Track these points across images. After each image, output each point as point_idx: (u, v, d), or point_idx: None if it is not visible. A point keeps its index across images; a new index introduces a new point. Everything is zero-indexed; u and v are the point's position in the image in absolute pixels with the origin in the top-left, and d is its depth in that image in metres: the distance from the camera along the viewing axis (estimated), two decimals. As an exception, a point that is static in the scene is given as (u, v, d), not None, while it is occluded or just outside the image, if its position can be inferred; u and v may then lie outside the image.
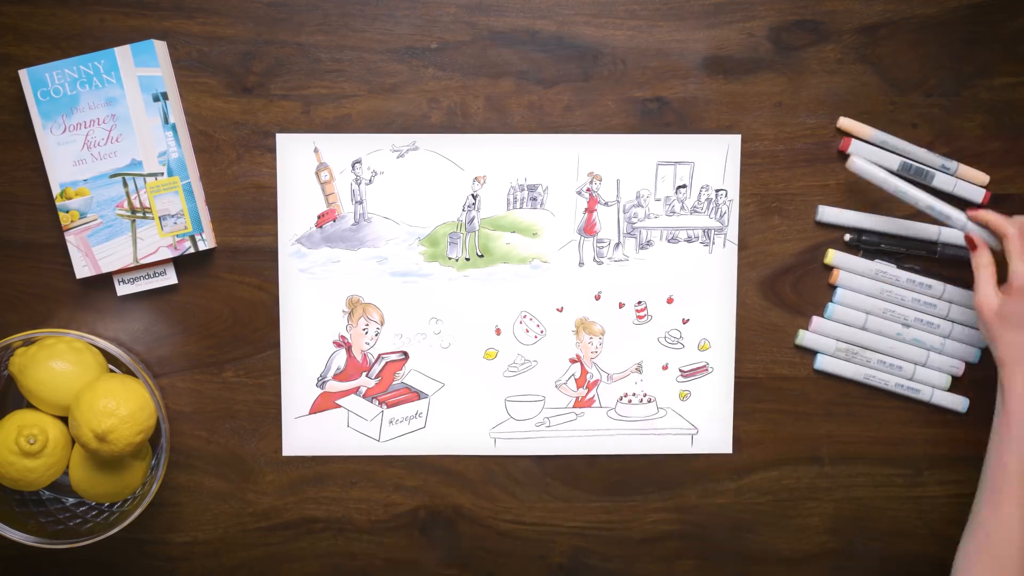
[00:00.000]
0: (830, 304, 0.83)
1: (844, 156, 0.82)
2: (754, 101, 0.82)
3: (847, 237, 0.83)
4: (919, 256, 0.83)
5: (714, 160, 0.82)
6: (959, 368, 0.85)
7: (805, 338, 0.84)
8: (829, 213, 0.82)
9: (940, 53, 0.82)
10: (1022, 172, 0.84)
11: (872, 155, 0.82)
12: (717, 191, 0.83)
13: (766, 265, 0.84)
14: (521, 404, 0.84)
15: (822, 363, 0.84)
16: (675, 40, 0.81)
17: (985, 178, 0.83)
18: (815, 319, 0.84)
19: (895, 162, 0.82)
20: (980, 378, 0.85)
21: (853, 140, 0.82)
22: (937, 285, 0.83)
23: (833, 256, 0.83)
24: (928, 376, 0.85)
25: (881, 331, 0.84)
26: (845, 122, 0.82)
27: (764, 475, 0.86)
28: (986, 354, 0.84)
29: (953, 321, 0.84)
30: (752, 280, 0.84)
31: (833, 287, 0.83)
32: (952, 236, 0.83)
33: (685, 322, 0.84)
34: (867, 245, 0.83)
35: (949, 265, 0.84)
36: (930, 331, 0.84)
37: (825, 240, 0.83)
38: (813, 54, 0.82)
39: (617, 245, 0.83)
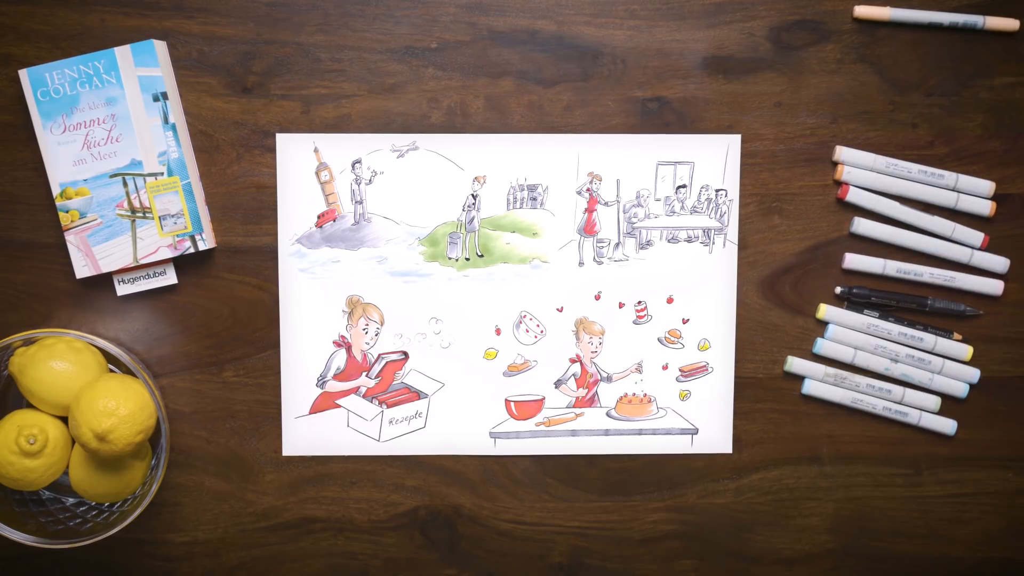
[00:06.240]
0: (819, 339, 0.84)
1: (844, 203, 0.83)
2: (754, 101, 0.82)
3: (838, 290, 0.83)
4: (910, 309, 0.84)
5: (714, 160, 0.82)
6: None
7: (794, 364, 0.84)
8: (856, 261, 0.83)
9: (940, 53, 0.82)
10: (1022, 172, 0.84)
11: (870, 202, 0.82)
12: (717, 191, 0.83)
13: (766, 265, 0.84)
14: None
15: (809, 388, 0.84)
16: (675, 40, 0.81)
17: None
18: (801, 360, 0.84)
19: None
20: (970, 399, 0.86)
21: (851, 187, 0.82)
22: (928, 338, 0.84)
23: (825, 311, 0.83)
24: (917, 399, 0.85)
25: (869, 366, 0.84)
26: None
27: (764, 475, 0.86)
28: (974, 389, 0.85)
29: (944, 356, 0.85)
30: (752, 280, 0.84)
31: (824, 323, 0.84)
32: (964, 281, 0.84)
33: (685, 322, 0.84)
34: (857, 298, 0.83)
35: (940, 317, 0.85)
36: (920, 367, 0.84)
37: (825, 240, 0.83)
38: (813, 54, 0.82)
39: (617, 245, 0.83)
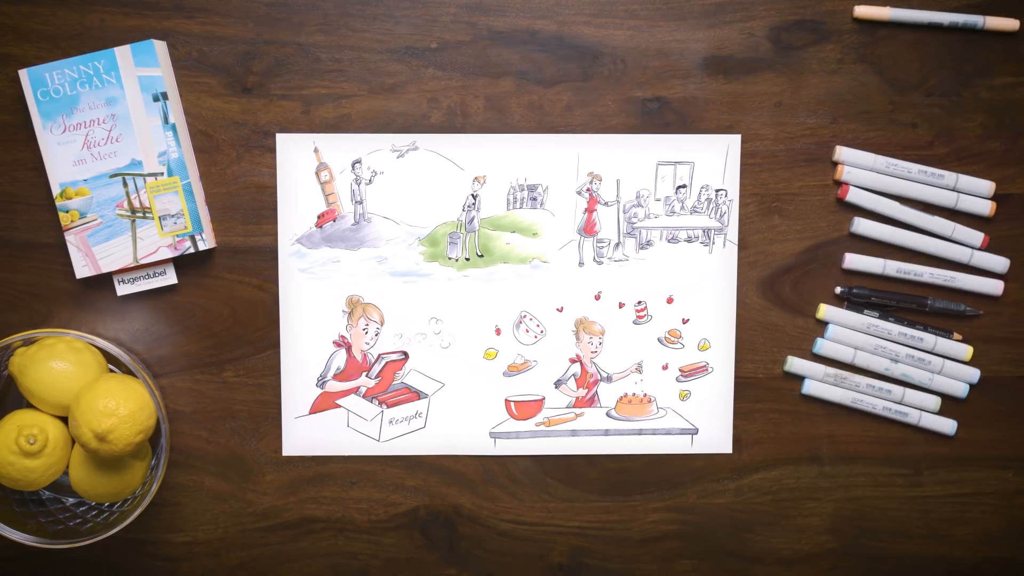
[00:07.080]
0: (819, 339, 0.84)
1: (844, 203, 0.83)
2: (754, 101, 0.82)
3: (838, 290, 0.83)
4: (910, 309, 0.84)
5: (714, 160, 0.82)
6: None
7: (794, 364, 0.84)
8: (855, 261, 0.83)
9: (940, 53, 0.82)
10: (1022, 172, 0.84)
11: (871, 202, 0.82)
12: (717, 191, 0.83)
13: (766, 265, 0.84)
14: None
15: (809, 388, 0.84)
16: (675, 40, 0.81)
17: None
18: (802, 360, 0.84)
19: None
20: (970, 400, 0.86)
21: (851, 187, 0.82)
22: (928, 338, 0.84)
23: (825, 311, 0.83)
24: (917, 399, 0.85)
25: (869, 366, 0.84)
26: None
27: (764, 475, 0.86)
28: (974, 389, 0.85)
29: (944, 356, 0.85)
30: (752, 280, 0.84)
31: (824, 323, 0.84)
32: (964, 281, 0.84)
33: (685, 322, 0.84)
34: (857, 298, 0.83)
35: (940, 317, 0.84)
36: (920, 367, 0.84)
37: (825, 240, 0.83)
38: (813, 54, 0.82)
39: (617, 245, 0.83)
